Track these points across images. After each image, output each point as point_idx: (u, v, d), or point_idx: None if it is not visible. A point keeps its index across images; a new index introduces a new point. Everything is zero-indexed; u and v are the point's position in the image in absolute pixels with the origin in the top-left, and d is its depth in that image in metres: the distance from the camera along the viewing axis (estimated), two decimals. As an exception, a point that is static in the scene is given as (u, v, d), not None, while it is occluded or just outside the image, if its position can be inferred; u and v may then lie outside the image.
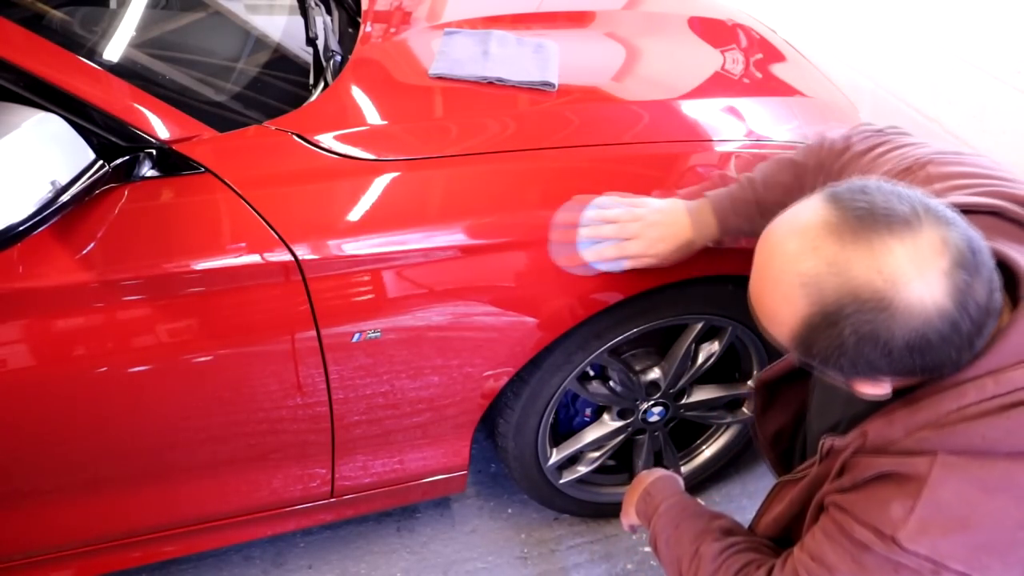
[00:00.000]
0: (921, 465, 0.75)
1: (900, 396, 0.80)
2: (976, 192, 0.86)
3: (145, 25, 1.37)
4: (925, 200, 0.72)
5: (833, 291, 0.70)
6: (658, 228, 1.17)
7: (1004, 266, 0.77)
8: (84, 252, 1.10)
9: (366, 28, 1.61)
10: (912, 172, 0.93)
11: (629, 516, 1.31)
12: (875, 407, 0.83)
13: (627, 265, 1.19)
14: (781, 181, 1.13)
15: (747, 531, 1.09)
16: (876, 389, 0.77)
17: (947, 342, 0.71)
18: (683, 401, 1.64)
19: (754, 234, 0.94)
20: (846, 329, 0.70)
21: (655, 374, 1.57)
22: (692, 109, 1.48)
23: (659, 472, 1.31)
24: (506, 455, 1.60)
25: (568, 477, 1.67)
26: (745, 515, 1.82)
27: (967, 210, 0.83)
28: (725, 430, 1.76)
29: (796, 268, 0.72)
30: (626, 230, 1.17)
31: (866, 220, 0.70)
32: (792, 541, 0.96)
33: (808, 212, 0.74)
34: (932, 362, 0.73)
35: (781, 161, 1.15)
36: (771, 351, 1.59)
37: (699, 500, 1.21)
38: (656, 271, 1.29)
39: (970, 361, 0.75)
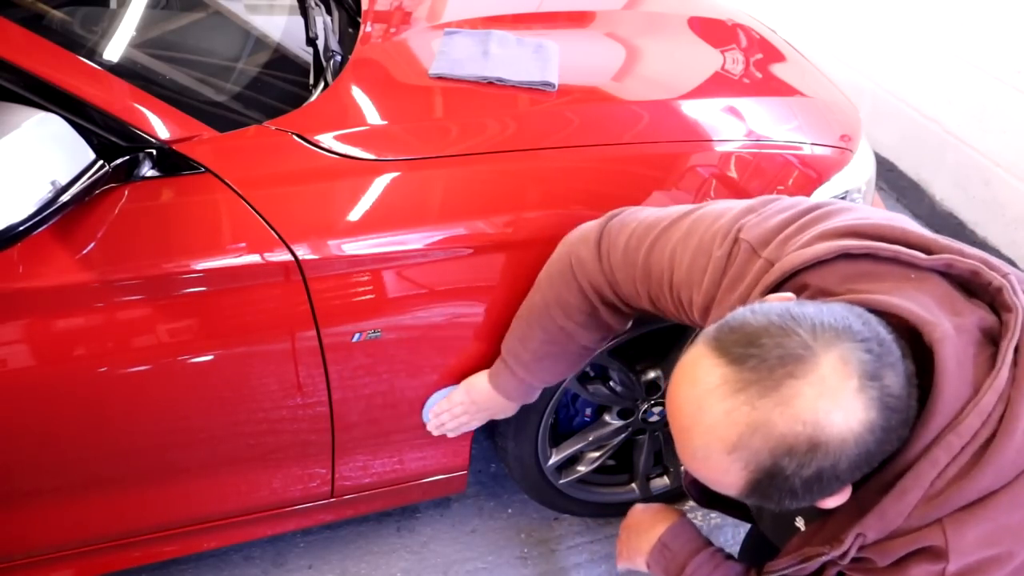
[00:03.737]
0: (934, 536, 0.75)
1: (866, 485, 0.79)
2: (810, 240, 0.85)
3: (145, 25, 1.37)
4: (801, 317, 0.70)
5: (765, 452, 0.69)
6: (483, 413, 1.37)
7: (887, 314, 0.75)
8: (84, 252, 1.10)
9: (366, 28, 1.61)
10: (732, 255, 0.91)
11: (633, 561, 1.22)
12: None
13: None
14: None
15: None
16: (839, 499, 0.76)
17: (887, 439, 0.71)
18: (683, 401, 1.64)
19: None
20: (792, 478, 0.70)
21: (655, 374, 1.57)
22: (692, 109, 1.48)
23: (665, 514, 1.20)
24: (506, 455, 1.60)
25: (568, 477, 1.67)
26: (745, 515, 1.82)
27: (813, 264, 0.82)
28: (725, 430, 1.76)
29: (720, 442, 0.70)
30: (461, 424, 1.39)
31: (763, 371, 0.68)
32: None
33: (704, 374, 0.71)
34: (881, 457, 0.73)
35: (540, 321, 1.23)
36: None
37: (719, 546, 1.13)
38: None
39: (923, 422, 0.74)
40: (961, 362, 0.73)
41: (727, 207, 0.98)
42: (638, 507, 1.26)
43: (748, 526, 1.79)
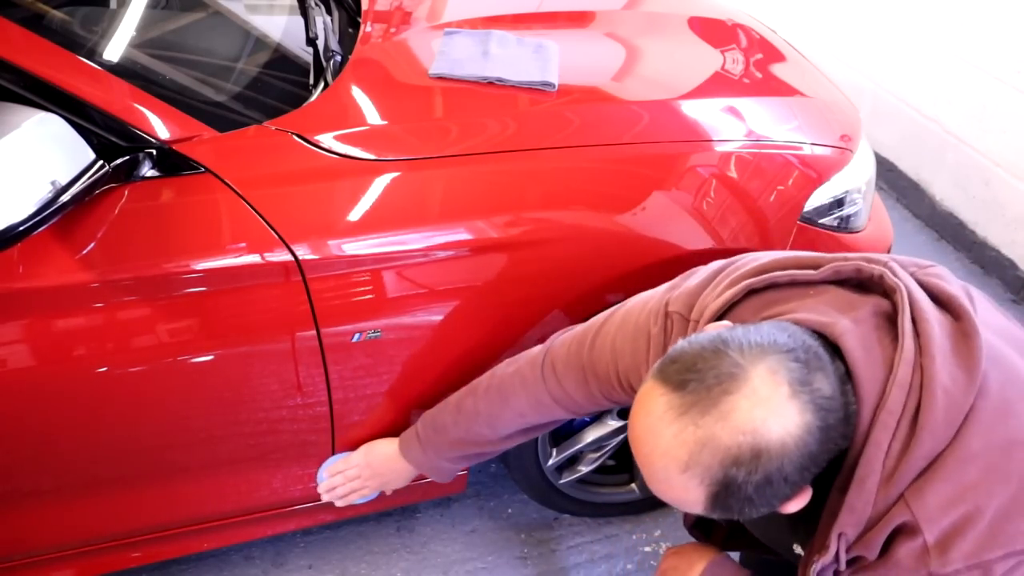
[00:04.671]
0: (901, 512, 0.78)
1: (832, 489, 0.83)
2: (721, 289, 0.94)
3: (145, 25, 1.37)
4: (730, 339, 0.77)
5: (716, 465, 0.74)
6: (377, 480, 1.41)
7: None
8: (84, 252, 1.10)
9: (366, 28, 1.61)
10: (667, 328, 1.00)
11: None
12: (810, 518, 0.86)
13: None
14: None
15: None
16: (799, 502, 0.80)
17: (827, 438, 0.76)
18: (683, 401, 1.64)
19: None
20: (745, 486, 0.74)
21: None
22: (692, 109, 1.48)
23: (700, 554, 1.17)
24: (506, 455, 1.60)
25: (568, 477, 1.67)
26: (745, 515, 1.82)
27: (729, 307, 0.92)
28: (725, 430, 1.76)
29: (675, 463, 0.76)
30: (351, 489, 1.43)
31: (701, 392, 0.75)
32: None
33: (652, 404, 0.77)
34: (827, 456, 0.77)
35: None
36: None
37: None
38: (657, 273, 1.29)
39: (856, 412, 0.79)
40: (868, 347, 0.80)
41: (651, 293, 1.09)
42: (671, 551, 1.23)
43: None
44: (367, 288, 1.22)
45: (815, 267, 0.91)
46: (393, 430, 1.41)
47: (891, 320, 0.83)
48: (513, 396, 1.22)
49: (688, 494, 0.77)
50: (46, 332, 1.12)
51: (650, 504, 1.79)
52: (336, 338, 1.24)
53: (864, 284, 0.88)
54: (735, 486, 0.74)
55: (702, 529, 1.25)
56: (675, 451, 0.75)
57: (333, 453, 1.41)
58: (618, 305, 1.14)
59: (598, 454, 1.67)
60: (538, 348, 1.23)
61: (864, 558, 0.83)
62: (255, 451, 1.35)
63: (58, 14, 1.28)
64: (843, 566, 0.84)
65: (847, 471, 0.80)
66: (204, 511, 1.42)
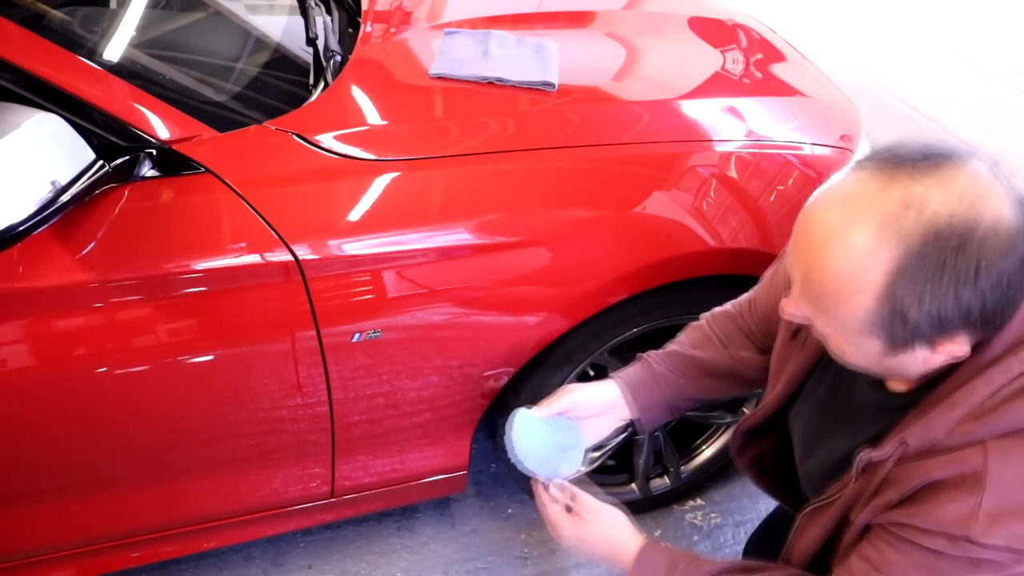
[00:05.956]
0: (974, 458, 0.75)
1: (922, 398, 0.80)
2: None
3: (145, 25, 1.37)
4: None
5: (918, 231, 0.68)
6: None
7: None
8: (84, 252, 1.10)
9: (366, 28, 1.61)
10: None
11: (581, 555, 1.12)
12: (890, 422, 0.82)
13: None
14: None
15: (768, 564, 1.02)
16: (958, 348, 0.74)
17: (1014, 282, 0.69)
18: (683, 401, 1.64)
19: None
20: (939, 267, 0.68)
21: (655, 374, 1.57)
22: (692, 109, 1.48)
23: (625, 541, 1.05)
24: (506, 455, 1.59)
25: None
26: (745, 515, 1.82)
27: None
28: (725, 430, 1.76)
29: (869, 223, 0.69)
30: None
31: (919, 157, 0.69)
32: (825, 568, 0.94)
33: (854, 174, 0.72)
34: (1014, 298, 0.71)
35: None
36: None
37: (685, 551, 1.04)
38: (657, 273, 1.29)
39: (985, 345, 0.75)
40: None
41: None
42: (577, 540, 1.08)
43: (747, 527, 1.79)
44: (367, 288, 1.22)
45: None
46: (393, 429, 1.41)
47: None
48: None
49: (866, 267, 0.70)
50: (46, 332, 1.12)
51: (649, 504, 1.79)
52: (336, 338, 1.23)
53: None
54: (928, 259, 0.68)
55: (754, 436, 1.12)
56: (873, 210, 0.69)
57: (333, 453, 1.40)
58: None
59: (598, 454, 1.67)
60: None
61: (897, 488, 0.80)
62: (255, 451, 1.35)
63: (58, 14, 1.28)
64: (873, 483, 0.81)
65: (943, 393, 0.77)
66: (204, 511, 1.42)
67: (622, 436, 1.65)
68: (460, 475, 1.56)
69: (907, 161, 0.70)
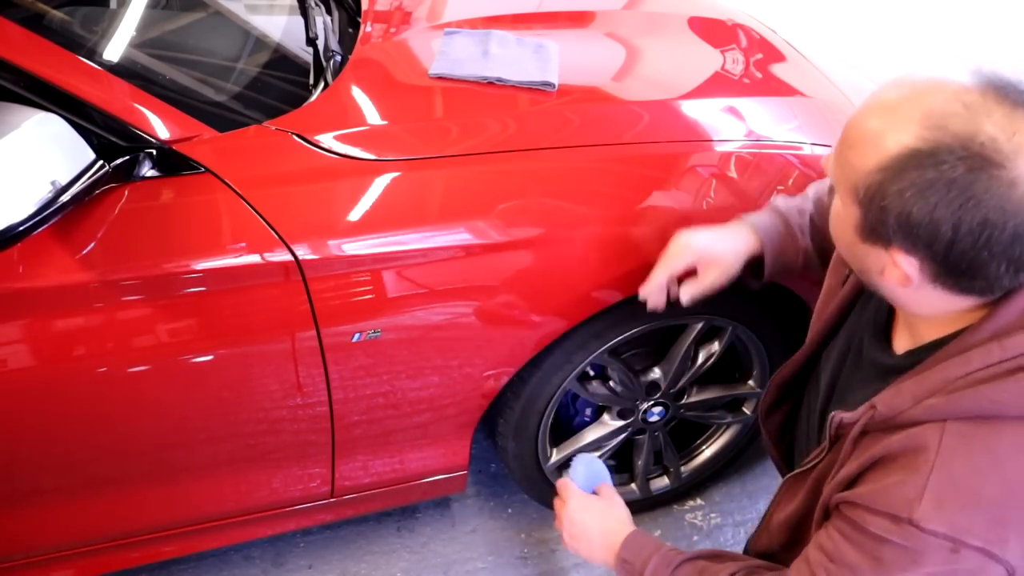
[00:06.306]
0: (930, 436, 0.75)
1: (911, 364, 0.81)
2: None
3: (145, 25, 1.37)
4: None
5: (955, 129, 0.69)
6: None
7: None
8: (84, 252, 1.10)
9: (366, 28, 1.61)
10: None
11: (580, 552, 1.16)
12: (876, 389, 0.83)
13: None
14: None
15: (738, 555, 1.05)
16: (907, 267, 0.75)
17: (1015, 243, 0.69)
18: (683, 401, 1.64)
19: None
20: (941, 172, 0.69)
21: (655, 374, 1.57)
22: (692, 109, 1.48)
23: (618, 528, 1.13)
24: (506, 455, 1.60)
25: (568, 477, 1.67)
26: (745, 515, 1.82)
27: None
28: (725, 430, 1.76)
29: (926, 102, 0.71)
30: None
31: (1016, 92, 0.70)
32: (806, 537, 0.94)
33: (966, 69, 0.74)
34: (983, 260, 0.71)
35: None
36: (771, 352, 1.59)
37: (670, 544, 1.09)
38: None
39: (976, 325, 0.75)
40: None
41: None
42: (577, 495, 1.17)
43: (747, 527, 1.79)
44: (367, 288, 1.22)
45: None
46: (393, 429, 1.41)
47: None
48: None
49: (893, 133, 0.72)
50: (46, 332, 1.12)
51: (649, 504, 1.79)
52: (336, 338, 1.23)
53: None
54: (937, 160, 0.69)
55: (787, 394, 1.15)
56: (938, 97, 0.71)
57: (333, 453, 1.41)
58: None
59: (598, 454, 1.67)
60: None
61: (856, 460, 0.81)
62: (255, 451, 1.35)
63: (58, 14, 1.28)
64: (853, 432, 0.82)
65: (931, 361, 0.78)
66: (204, 511, 1.42)
67: (622, 436, 1.65)
68: (460, 475, 1.56)
69: (1004, 87, 0.70)
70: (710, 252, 1.17)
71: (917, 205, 0.71)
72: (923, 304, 0.80)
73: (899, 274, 0.77)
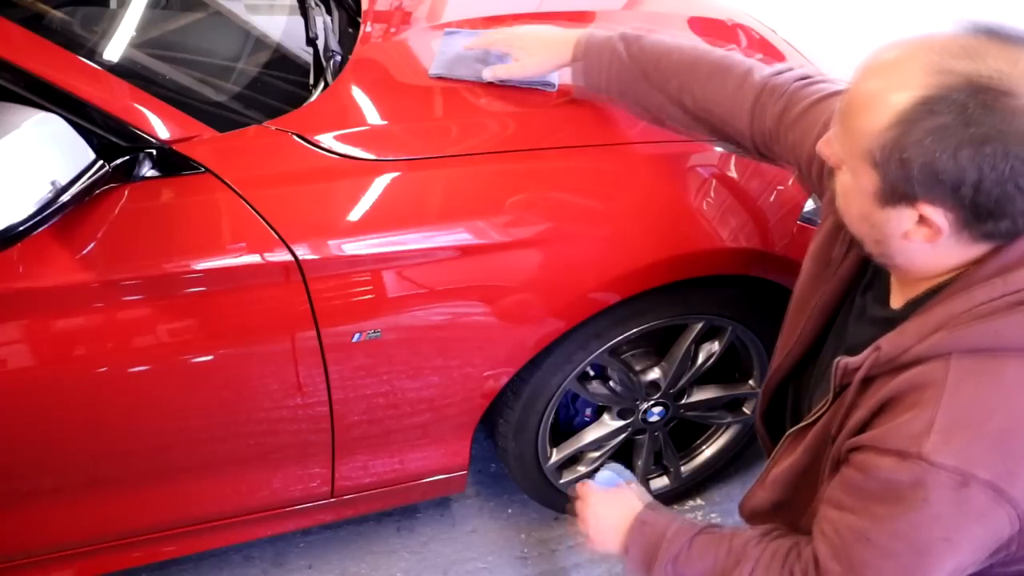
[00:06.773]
0: (937, 371, 0.75)
1: (912, 312, 0.81)
2: None
3: (145, 25, 1.37)
4: None
5: (962, 71, 0.70)
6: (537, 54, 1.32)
7: None
8: (84, 252, 1.10)
9: (366, 28, 1.60)
10: None
11: (606, 544, 1.11)
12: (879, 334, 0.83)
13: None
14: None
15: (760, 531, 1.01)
16: (938, 219, 0.74)
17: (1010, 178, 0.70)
18: (683, 401, 1.64)
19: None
20: (957, 115, 0.69)
21: (655, 374, 1.57)
22: (692, 109, 1.47)
23: (638, 502, 1.10)
24: (506, 455, 1.60)
25: (568, 477, 1.67)
26: (745, 515, 1.82)
27: None
28: (725, 430, 1.76)
29: (927, 51, 0.72)
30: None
31: (1010, 33, 0.72)
32: (801, 495, 0.93)
33: (951, 23, 0.75)
34: (1010, 195, 0.71)
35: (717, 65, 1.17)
36: (771, 352, 1.59)
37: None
38: (657, 273, 1.29)
39: (980, 262, 0.75)
40: None
41: None
42: (596, 491, 1.15)
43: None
44: (367, 288, 1.22)
45: None
46: (393, 429, 1.41)
47: None
48: None
49: (900, 86, 0.73)
50: (46, 332, 1.12)
51: (650, 504, 1.79)
52: (336, 338, 1.23)
53: None
54: (950, 105, 0.70)
55: (780, 394, 1.15)
56: (937, 46, 0.72)
57: (333, 453, 1.40)
58: None
59: (598, 454, 1.67)
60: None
61: (865, 406, 0.80)
62: (255, 451, 1.35)
63: (58, 14, 1.28)
64: (859, 375, 0.81)
65: (933, 301, 0.78)
66: (204, 511, 1.42)
67: (622, 436, 1.65)
68: (460, 475, 1.56)
69: (994, 29, 0.72)
70: (527, 44, 1.34)
71: (938, 150, 0.71)
72: (939, 261, 0.80)
73: (927, 231, 0.76)
